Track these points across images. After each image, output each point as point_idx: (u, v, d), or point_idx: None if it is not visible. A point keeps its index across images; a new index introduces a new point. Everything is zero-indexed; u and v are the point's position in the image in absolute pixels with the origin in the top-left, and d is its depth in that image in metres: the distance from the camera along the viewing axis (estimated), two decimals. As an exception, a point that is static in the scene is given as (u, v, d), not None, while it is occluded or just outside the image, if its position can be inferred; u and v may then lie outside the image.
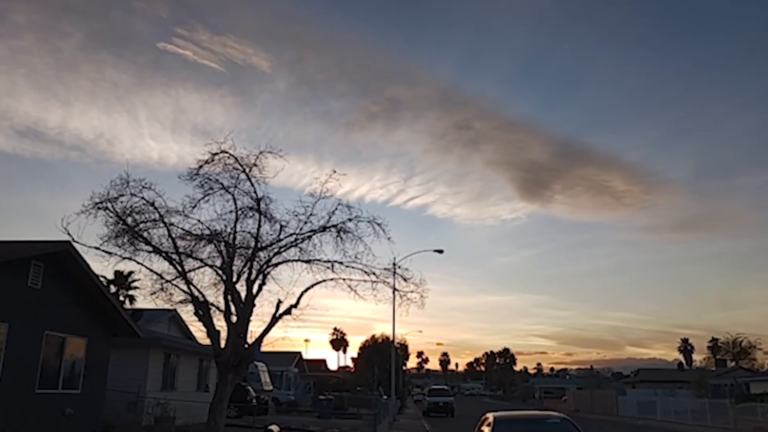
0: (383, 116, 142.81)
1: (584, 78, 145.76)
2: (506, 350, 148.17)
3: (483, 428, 11.12)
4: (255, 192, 16.10)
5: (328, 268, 16.31)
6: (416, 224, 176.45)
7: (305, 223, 16.11)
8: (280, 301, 16.18)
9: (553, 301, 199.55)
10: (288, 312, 16.14)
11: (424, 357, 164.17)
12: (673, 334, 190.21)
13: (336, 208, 16.14)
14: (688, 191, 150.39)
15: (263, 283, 16.26)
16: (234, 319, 15.84)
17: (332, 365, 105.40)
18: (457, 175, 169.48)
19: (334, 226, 16.08)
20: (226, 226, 16.25)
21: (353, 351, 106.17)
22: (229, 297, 15.89)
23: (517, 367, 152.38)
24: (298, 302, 16.19)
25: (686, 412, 39.85)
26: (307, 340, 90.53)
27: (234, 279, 15.95)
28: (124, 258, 15.59)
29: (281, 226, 16.28)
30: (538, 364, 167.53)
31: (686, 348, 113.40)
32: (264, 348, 35.96)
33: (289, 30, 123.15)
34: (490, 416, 11.11)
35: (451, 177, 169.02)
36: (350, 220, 16.26)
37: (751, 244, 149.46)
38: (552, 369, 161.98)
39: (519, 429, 10.99)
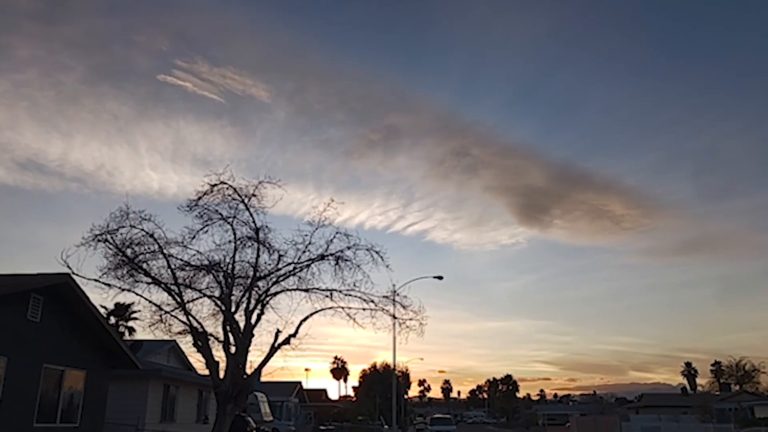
0: (382, 144, 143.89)
1: (581, 103, 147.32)
2: (509, 377, 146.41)
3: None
4: (254, 222, 16.25)
5: (327, 296, 16.37)
6: (416, 250, 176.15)
7: (304, 252, 16.23)
8: (278, 331, 16.20)
9: (554, 326, 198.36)
10: (287, 342, 16.13)
11: (426, 385, 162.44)
12: (676, 358, 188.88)
13: (334, 237, 16.28)
14: (687, 214, 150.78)
15: (262, 313, 16.30)
16: (233, 349, 15.82)
17: (333, 395, 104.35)
18: (456, 200, 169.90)
19: (333, 254, 16.18)
20: (224, 256, 16.35)
21: (354, 380, 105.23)
22: (228, 327, 15.89)
23: (520, 394, 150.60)
24: (296, 331, 16.20)
25: (691, 438, 39.49)
26: (307, 370, 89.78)
27: (233, 309, 15.99)
28: (124, 290, 15.66)
29: (280, 255, 16.39)
30: (541, 391, 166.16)
31: (690, 372, 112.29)
32: (263, 378, 35.64)
33: (288, 61, 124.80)
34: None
35: (450, 203, 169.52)
36: (348, 248, 16.37)
37: (752, 266, 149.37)
38: (555, 395, 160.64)
39: None
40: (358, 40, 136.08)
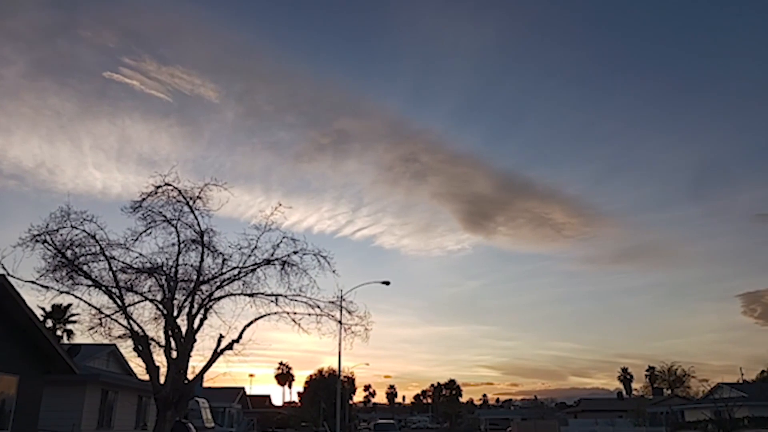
0: (332, 148, 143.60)
1: (526, 113, 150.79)
2: (452, 382, 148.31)
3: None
4: (198, 224, 16.15)
5: (272, 301, 16.39)
6: (364, 255, 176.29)
7: (249, 256, 16.21)
8: (221, 336, 16.10)
9: (498, 331, 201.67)
10: (230, 347, 16.05)
11: (371, 390, 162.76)
12: (613, 364, 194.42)
13: (281, 241, 16.33)
14: (625, 224, 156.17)
15: (205, 318, 16.17)
16: (174, 354, 15.63)
17: (277, 400, 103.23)
18: (405, 206, 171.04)
19: (279, 259, 16.21)
20: (168, 259, 16.17)
21: (299, 386, 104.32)
22: (170, 332, 15.70)
23: (464, 399, 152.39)
24: (240, 337, 16.13)
25: (625, 441, 40.94)
26: (251, 375, 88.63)
27: (175, 313, 15.80)
28: (62, 292, 15.27)
29: (224, 259, 16.32)
30: (484, 395, 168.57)
31: (626, 377, 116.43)
32: (206, 384, 35.03)
33: (238, 61, 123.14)
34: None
35: (398, 208, 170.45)
36: (295, 252, 16.46)
37: (684, 275, 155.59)
38: (497, 400, 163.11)
39: None
40: (309, 43, 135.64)
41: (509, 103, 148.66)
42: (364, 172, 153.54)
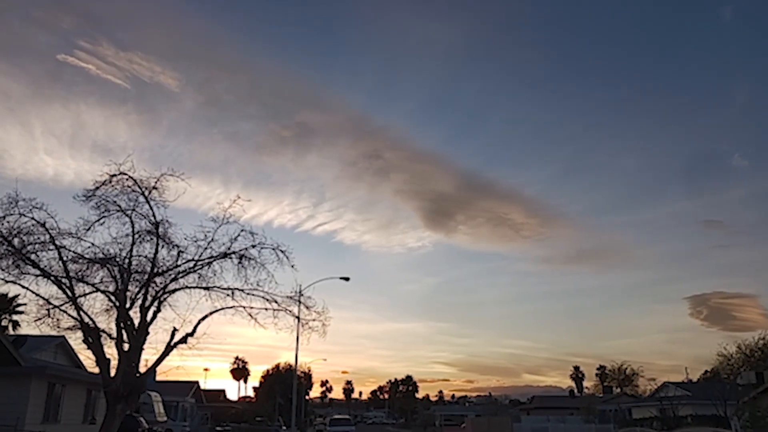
0: (294, 141, 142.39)
1: (489, 113, 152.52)
2: (409, 378, 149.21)
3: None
4: (154, 215, 15.80)
5: (228, 295, 16.18)
6: (325, 250, 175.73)
7: (206, 249, 15.95)
8: (175, 329, 15.83)
9: (455, 328, 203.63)
10: (184, 340, 15.78)
11: (328, 386, 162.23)
12: (566, 362, 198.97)
13: (239, 234, 16.12)
14: (581, 225, 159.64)
15: (159, 310, 15.86)
16: (126, 347, 15.29)
17: (233, 395, 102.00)
18: (367, 202, 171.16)
19: (236, 252, 16.00)
20: (121, 250, 15.79)
21: (255, 380, 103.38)
22: (122, 324, 15.36)
23: (420, 395, 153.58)
24: (194, 330, 15.89)
25: (575, 437, 41.89)
26: (206, 370, 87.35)
27: (127, 305, 15.46)
28: (8, 282, 14.76)
29: (179, 251, 16.01)
30: (440, 392, 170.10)
31: (578, 375, 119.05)
32: (159, 377, 34.38)
33: (199, 49, 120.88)
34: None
35: (360, 204, 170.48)
36: (253, 246, 16.27)
37: (635, 277, 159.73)
38: (453, 396, 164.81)
39: None
40: (273, 34, 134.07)
41: (473, 103, 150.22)
42: (326, 167, 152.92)
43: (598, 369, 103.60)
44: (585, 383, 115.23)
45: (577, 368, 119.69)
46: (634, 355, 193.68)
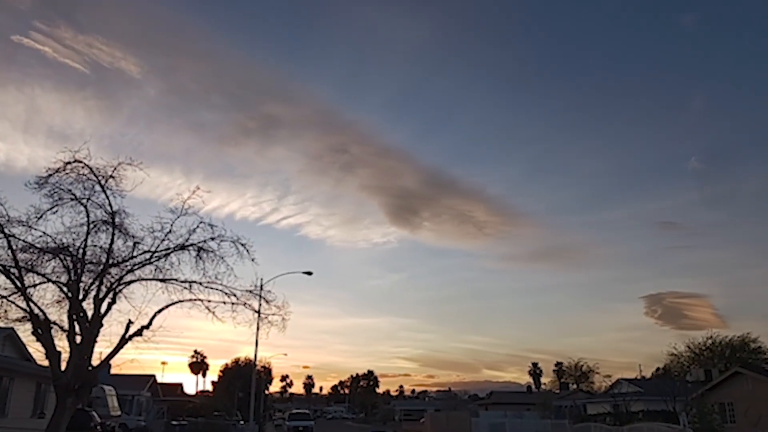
0: (259, 132, 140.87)
1: (456, 111, 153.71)
2: (370, 373, 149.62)
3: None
4: (110, 205, 15.36)
5: (186, 288, 15.86)
6: (288, 244, 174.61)
7: (163, 240, 15.58)
8: (130, 322, 15.44)
9: (418, 324, 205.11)
10: (139, 333, 15.42)
11: (288, 380, 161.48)
12: (525, 358, 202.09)
13: (198, 226, 15.80)
14: (543, 224, 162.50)
15: (113, 302, 15.45)
16: (78, 339, 14.86)
17: (191, 389, 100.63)
18: (332, 197, 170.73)
19: (195, 244, 15.69)
20: (75, 239, 15.30)
21: (214, 374, 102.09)
22: (74, 316, 14.91)
23: (381, 390, 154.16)
24: (150, 323, 15.53)
25: (531, 432, 42.60)
26: (164, 363, 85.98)
27: (81, 297, 15.01)
28: (-48, 271, 14.17)
29: (136, 242, 15.62)
30: (401, 386, 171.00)
31: (536, 372, 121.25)
32: (114, 371, 33.70)
33: (163, 36, 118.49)
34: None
35: (325, 198, 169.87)
36: (212, 239, 15.96)
37: (595, 276, 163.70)
38: (413, 391, 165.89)
39: None
40: (239, 23, 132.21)
41: (440, 100, 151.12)
42: (291, 160, 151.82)
43: (555, 365, 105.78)
44: (543, 379, 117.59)
45: (535, 364, 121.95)
46: (591, 352, 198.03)
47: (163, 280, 15.71)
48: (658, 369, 67.96)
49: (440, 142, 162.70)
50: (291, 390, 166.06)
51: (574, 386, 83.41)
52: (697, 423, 31.33)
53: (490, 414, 61.56)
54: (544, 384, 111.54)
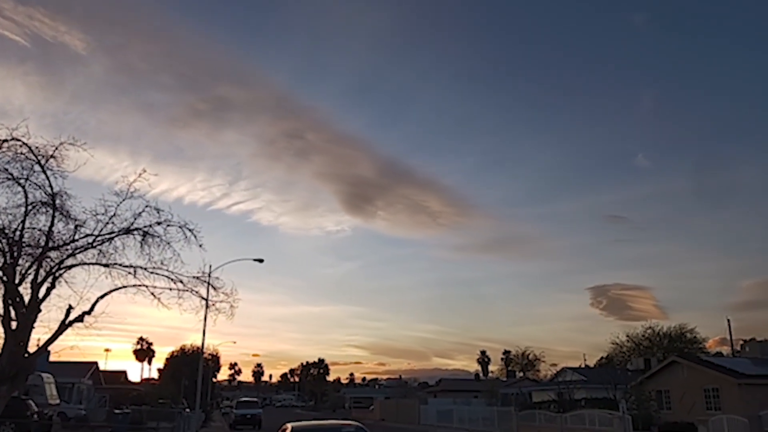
0: (210, 115, 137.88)
1: (413, 101, 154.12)
2: (321, 361, 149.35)
3: (282, 438, 11.27)
4: (50, 186, 14.73)
5: (130, 273, 15.40)
6: (239, 230, 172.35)
7: (107, 223, 15.06)
8: (71, 307, 14.89)
9: (370, 312, 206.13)
10: (80, 319, 14.89)
11: (237, 368, 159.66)
12: (474, 347, 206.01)
13: (143, 210, 15.34)
14: (495, 216, 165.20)
15: (53, 287, 14.87)
16: (14, 325, 14.24)
17: (135, 377, 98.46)
18: (285, 183, 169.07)
19: (140, 229, 15.23)
20: (11, 221, 14.63)
21: (160, 362, 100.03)
22: (10, 300, 14.27)
23: (331, 378, 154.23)
24: (92, 309, 15.02)
25: (478, 420, 43.33)
26: (107, 350, 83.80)
27: (17, 281, 14.37)
28: None
29: (77, 225, 15.04)
30: (351, 374, 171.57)
31: (484, 360, 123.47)
32: (53, 358, 32.60)
33: (111, 12, 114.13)
34: (288, 426, 11.32)
35: (278, 185, 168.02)
36: (159, 223, 15.56)
37: (544, 267, 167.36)
38: (364, 379, 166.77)
39: None
40: (192, 2, 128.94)
41: (398, 90, 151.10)
42: (244, 144, 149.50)
43: (503, 354, 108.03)
44: (491, 367, 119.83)
45: (483, 353, 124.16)
46: (538, 341, 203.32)
47: (106, 265, 15.21)
48: (601, 358, 70.28)
49: (397, 132, 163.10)
50: (240, 378, 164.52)
51: (521, 374, 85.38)
52: (636, 409, 32.55)
53: (439, 401, 62.41)
54: (492, 372, 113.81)
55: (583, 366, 63.47)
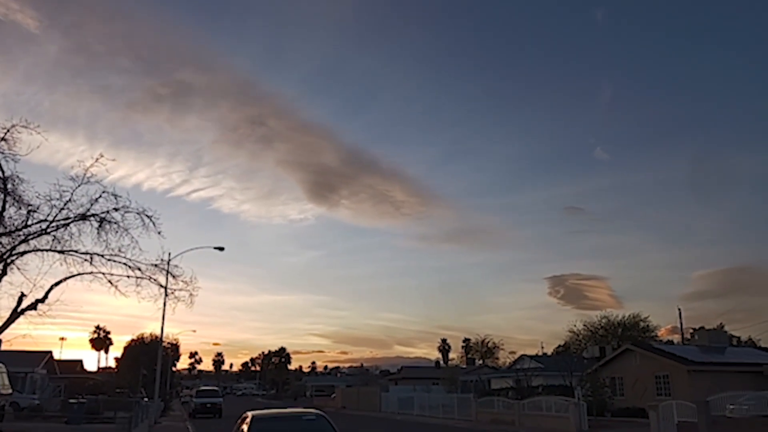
0: (171, 100, 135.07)
1: (377, 91, 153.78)
2: (282, 349, 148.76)
3: (242, 427, 11.22)
4: (1, 169, 14.26)
5: (87, 260, 15.08)
6: (200, 218, 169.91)
7: (62, 209, 14.68)
8: (23, 295, 14.51)
9: (333, 301, 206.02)
10: (33, 307, 14.54)
11: (197, 357, 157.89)
12: (436, 335, 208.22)
13: (100, 196, 15.01)
14: (457, 206, 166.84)
15: (4, 273, 14.48)
16: (-37, 313, 13.83)
17: (92, 366, 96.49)
18: (248, 170, 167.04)
19: (97, 215, 14.90)
20: (-40, 206, 14.13)
21: (118, 351, 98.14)
22: (-42, 287, 13.84)
23: (293, 366, 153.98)
24: (46, 296, 14.69)
25: (438, 407, 43.79)
26: (63, 339, 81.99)
27: (-34, 267, 13.94)
28: None
29: (30, 210, 14.62)
30: (313, 363, 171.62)
31: (444, 347, 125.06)
32: (5, 347, 31.62)
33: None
34: (249, 415, 11.27)
35: (240, 172, 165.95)
36: (116, 209, 15.26)
37: (505, 257, 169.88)
38: (326, 367, 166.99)
39: (275, 426, 11.29)
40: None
41: (362, 78, 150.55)
42: (205, 130, 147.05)
43: (463, 342, 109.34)
44: (451, 355, 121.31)
45: (444, 341, 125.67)
46: (497, 329, 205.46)
47: (61, 252, 14.85)
48: (558, 346, 71.87)
49: (361, 121, 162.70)
50: (200, 367, 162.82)
51: (480, 362, 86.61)
52: (591, 396, 33.44)
53: (400, 389, 62.94)
54: (453, 359, 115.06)
55: (540, 354, 64.81)
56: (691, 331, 55.43)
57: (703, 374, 31.75)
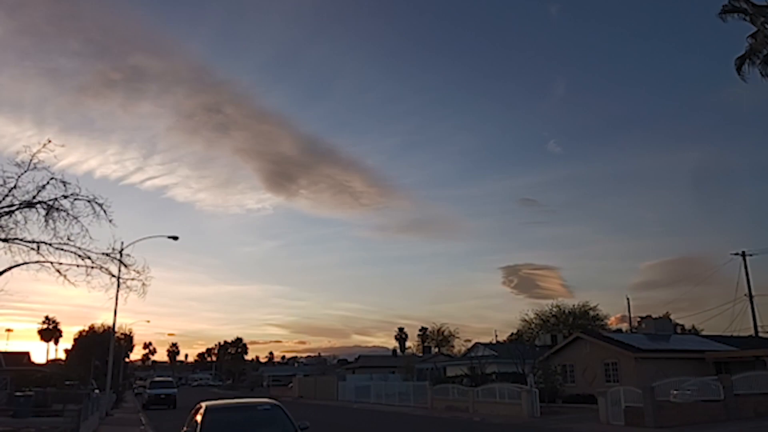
0: (124, 85, 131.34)
1: (335, 79, 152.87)
2: (239, 340, 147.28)
3: (196, 417, 11.13)
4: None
5: (33, 249, 14.63)
6: (153, 206, 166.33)
7: (6, 196, 14.19)
8: (-36, 285, 14.01)
9: (291, 291, 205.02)
10: (-25, 297, 14.05)
11: (152, 348, 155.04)
12: (393, 324, 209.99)
13: (48, 183, 14.56)
14: (416, 197, 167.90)
15: (-56, 263, 13.92)
16: None
17: (40, 358, 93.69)
18: (203, 158, 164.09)
19: (44, 202, 14.45)
20: None
21: (68, 342, 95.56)
22: None
23: (250, 357, 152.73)
24: (-11, 286, 14.20)
25: (395, 395, 44.28)
26: (9, 330, 79.33)
27: None
28: None
29: (-28, 197, 14.10)
30: (271, 353, 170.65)
31: (401, 336, 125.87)
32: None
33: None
34: (203, 405, 11.19)
35: (196, 160, 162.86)
36: (65, 197, 14.83)
37: (461, 247, 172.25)
38: (284, 357, 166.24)
39: (229, 416, 11.24)
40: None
41: (319, 67, 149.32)
42: (159, 117, 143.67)
43: (420, 330, 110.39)
44: (408, 343, 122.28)
45: (401, 329, 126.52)
46: (453, 318, 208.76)
47: (5, 240, 14.36)
48: (511, 334, 73.15)
49: (319, 110, 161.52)
50: (154, 358, 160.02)
51: (436, 350, 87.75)
52: (543, 383, 34.28)
53: (357, 377, 63.23)
54: (409, 348, 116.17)
55: (494, 342, 65.93)
56: (639, 319, 57.30)
57: (649, 361, 32.92)
